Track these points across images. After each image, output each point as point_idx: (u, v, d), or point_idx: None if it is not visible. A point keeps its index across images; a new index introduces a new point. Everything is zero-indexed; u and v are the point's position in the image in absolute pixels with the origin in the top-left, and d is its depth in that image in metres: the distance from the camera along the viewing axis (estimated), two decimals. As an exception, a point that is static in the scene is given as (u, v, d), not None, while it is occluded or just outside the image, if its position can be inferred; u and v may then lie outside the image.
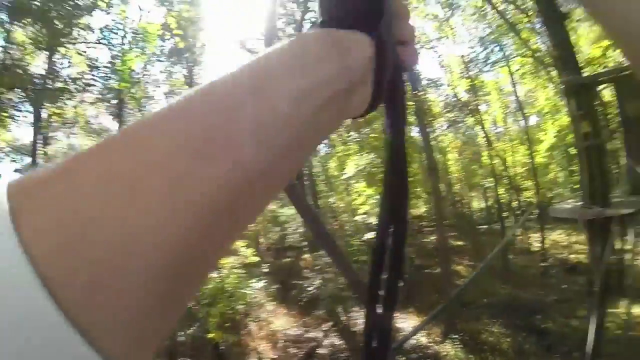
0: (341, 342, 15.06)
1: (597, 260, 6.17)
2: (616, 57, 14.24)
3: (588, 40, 18.94)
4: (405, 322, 15.93)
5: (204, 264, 0.25)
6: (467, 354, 13.78)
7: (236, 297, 12.38)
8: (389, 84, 0.40)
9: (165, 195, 0.22)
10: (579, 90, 6.13)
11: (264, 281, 15.70)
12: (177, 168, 0.23)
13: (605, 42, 17.07)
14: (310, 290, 15.73)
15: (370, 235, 16.76)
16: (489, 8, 18.14)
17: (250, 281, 13.43)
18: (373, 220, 19.14)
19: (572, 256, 14.10)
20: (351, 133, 19.23)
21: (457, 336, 14.55)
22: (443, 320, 15.09)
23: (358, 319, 16.60)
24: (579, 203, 6.85)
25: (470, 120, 25.46)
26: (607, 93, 6.85)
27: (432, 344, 14.47)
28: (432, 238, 18.29)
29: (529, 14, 15.80)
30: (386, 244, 0.46)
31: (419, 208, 24.44)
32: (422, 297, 17.49)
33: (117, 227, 0.20)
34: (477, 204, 35.08)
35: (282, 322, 17.00)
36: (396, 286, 0.48)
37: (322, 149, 20.51)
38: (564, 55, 6.69)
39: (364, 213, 19.56)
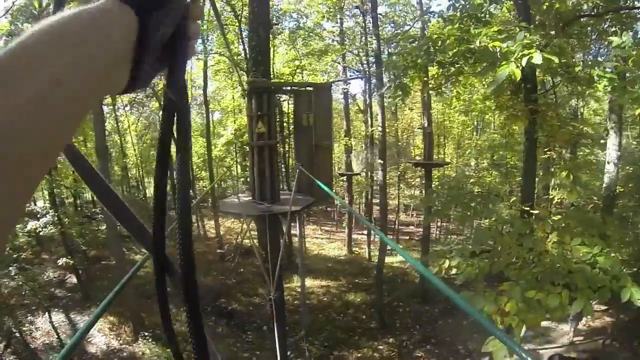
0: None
1: (265, 248, 6.63)
2: (301, 79, 16.78)
3: (283, 60, 21.87)
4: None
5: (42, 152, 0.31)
6: (163, 348, 12.93)
7: None
8: (172, 69, 0.50)
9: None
10: (261, 94, 6.46)
11: None
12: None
13: (296, 64, 20.44)
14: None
15: (35, 224, 14.00)
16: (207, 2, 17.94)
17: None
18: (39, 206, 16.11)
19: (246, 241, 15.66)
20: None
21: (148, 333, 13.59)
22: (130, 318, 14.07)
23: (36, 330, 13.53)
24: (248, 198, 7.18)
25: (155, 104, 24.55)
26: (286, 104, 8.05)
27: (125, 346, 13.27)
28: (104, 228, 16.70)
29: (242, 20, 16.59)
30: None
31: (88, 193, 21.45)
32: (101, 294, 15.87)
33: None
34: (151, 191, 34.25)
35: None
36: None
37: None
38: (258, 61, 6.96)
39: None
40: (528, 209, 5.88)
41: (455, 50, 4.98)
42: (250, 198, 7.10)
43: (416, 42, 5.56)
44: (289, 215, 5.72)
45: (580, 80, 5.65)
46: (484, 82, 9.39)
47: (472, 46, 4.65)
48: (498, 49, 4.10)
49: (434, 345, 12.65)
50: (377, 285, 14.42)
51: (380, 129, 14.04)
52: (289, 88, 8.22)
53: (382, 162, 14.01)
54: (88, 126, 16.55)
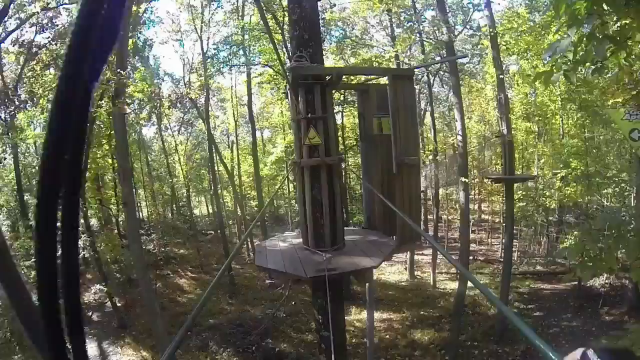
0: None
1: (325, 321, 4.52)
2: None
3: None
4: (121, 356, 12.33)
5: None
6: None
7: None
8: None
9: None
10: (311, 87, 4.17)
11: None
12: None
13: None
14: None
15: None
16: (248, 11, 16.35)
17: None
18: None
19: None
20: None
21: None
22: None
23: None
24: (298, 240, 4.83)
25: (202, 124, 23.08)
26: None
27: (157, 390, 11.23)
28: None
29: (284, 26, 14.54)
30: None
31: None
32: (138, 322, 14.15)
33: None
34: (202, 210, 33.25)
35: None
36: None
37: None
38: (304, 40, 4.41)
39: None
40: None
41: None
42: (301, 240, 4.68)
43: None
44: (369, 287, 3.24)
45: None
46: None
47: None
48: None
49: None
50: (453, 324, 11.48)
51: (460, 138, 10.80)
52: (351, 79, 5.86)
53: (464, 180, 10.76)
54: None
